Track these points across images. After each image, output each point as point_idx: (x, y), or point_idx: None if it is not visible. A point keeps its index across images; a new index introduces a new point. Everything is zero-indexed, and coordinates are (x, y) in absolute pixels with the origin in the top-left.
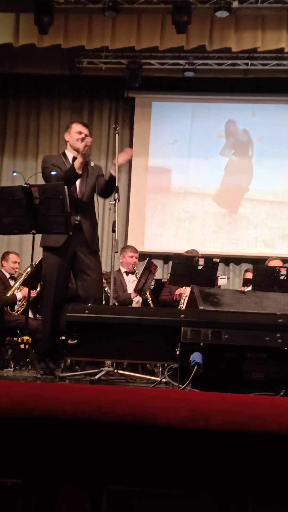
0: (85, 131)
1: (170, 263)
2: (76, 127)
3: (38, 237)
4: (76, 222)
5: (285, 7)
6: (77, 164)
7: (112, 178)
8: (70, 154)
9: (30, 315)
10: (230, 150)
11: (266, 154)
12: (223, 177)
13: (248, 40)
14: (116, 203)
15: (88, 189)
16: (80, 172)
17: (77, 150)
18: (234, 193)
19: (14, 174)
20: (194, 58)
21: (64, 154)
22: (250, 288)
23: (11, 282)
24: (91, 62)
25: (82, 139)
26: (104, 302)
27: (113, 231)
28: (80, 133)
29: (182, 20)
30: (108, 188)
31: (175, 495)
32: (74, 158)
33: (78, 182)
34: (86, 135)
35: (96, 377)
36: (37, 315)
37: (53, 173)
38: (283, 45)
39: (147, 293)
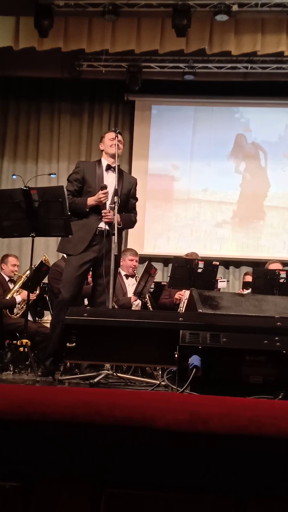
0: (119, 137)
1: (170, 266)
2: (109, 135)
3: (38, 240)
4: (100, 230)
5: (284, 11)
6: (90, 202)
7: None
8: (105, 161)
9: (30, 318)
10: (239, 155)
11: (264, 158)
12: (224, 182)
13: (247, 44)
14: (116, 206)
15: (122, 200)
16: (87, 211)
17: (111, 156)
18: (235, 198)
19: (14, 177)
20: (194, 62)
21: (99, 161)
22: (249, 291)
23: (11, 285)
24: (91, 65)
25: (113, 145)
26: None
27: (113, 234)
28: (113, 139)
29: (182, 23)
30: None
31: (174, 498)
32: (109, 166)
33: (112, 186)
34: (119, 141)
35: (95, 380)
36: (36, 318)
37: (68, 197)
38: (282, 48)
39: (147, 296)
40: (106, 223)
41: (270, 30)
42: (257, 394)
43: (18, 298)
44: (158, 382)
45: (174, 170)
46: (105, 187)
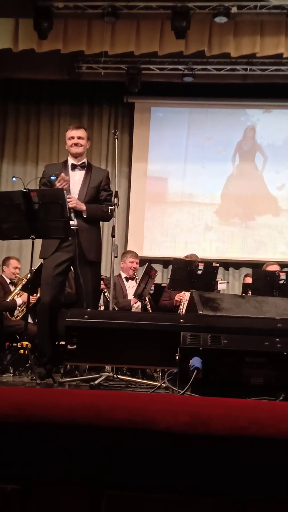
0: (76, 133)
1: (170, 267)
2: (67, 134)
3: (38, 242)
4: (73, 228)
5: (283, 13)
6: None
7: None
8: (70, 161)
9: (30, 320)
10: (237, 157)
11: (266, 161)
12: (224, 184)
13: (247, 46)
14: (116, 208)
15: (90, 192)
16: None
17: (72, 155)
18: (235, 199)
19: (14, 179)
20: (193, 64)
21: (65, 161)
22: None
23: (11, 288)
24: (91, 67)
25: (75, 144)
26: (103, 307)
27: (113, 236)
28: (71, 138)
29: (181, 25)
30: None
31: (175, 500)
32: (74, 165)
33: (78, 182)
34: (79, 138)
35: (96, 382)
36: (37, 321)
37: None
38: (281, 50)
39: (147, 298)
40: (75, 212)
41: (269, 32)
42: (257, 396)
43: (19, 301)
44: (159, 384)
45: (174, 172)
46: (58, 174)
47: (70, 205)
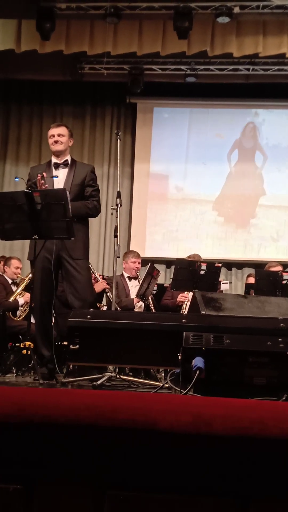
0: (56, 131)
1: (172, 268)
2: (49, 132)
3: (40, 242)
4: None
5: (286, 13)
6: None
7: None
8: (53, 160)
9: (32, 320)
10: (240, 156)
11: (266, 160)
12: (225, 183)
13: (249, 46)
14: (118, 208)
15: (74, 190)
16: None
17: (54, 153)
18: (237, 199)
19: (17, 179)
20: (195, 64)
21: (49, 161)
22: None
23: (13, 288)
24: (93, 68)
25: (56, 142)
26: (106, 307)
27: (115, 236)
28: (52, 136)
29: (184, 25)
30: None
31: (177, 500)
32: (57, 164)
33: (61, 180)
34: (59, 135)
35: (98, 382)
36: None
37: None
38: (284, 50)
39: (149, 298)
40: None
41: (272, 32)
42: (260, 396)
43: (21, 301)
44: (161, 384)
45: (177, 172)
46: (40, 173)
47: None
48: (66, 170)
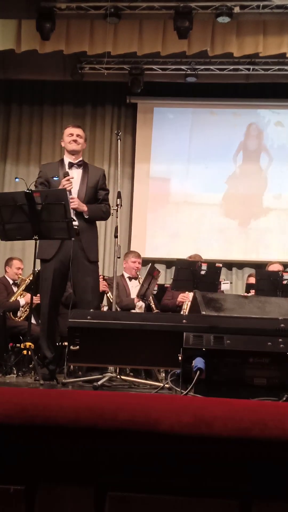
0: (75, 131)
1: (173, 268)
2: (67, 131)
3: (56, 243)
4: (74, 227)
5: (286, 12)
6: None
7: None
8: (66, 159)
9: (33, 321)
10: (240, 157)
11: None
12: (228, 184)
13: (249, 45)
14: (119, 208)
15: (89, 192)
16: None
17: (71, 152)
18: (238, 200)
19: (17, 180)
20: (196, 64)
21: (61, 160)
22: (253, 292)
23: (14, 288)
24: (93, 68)
25: (74, 141)
26: (107, 307)
27: (116, 236)
28: (71, 134)
29: (184, 25)
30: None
31: (178, 501)
32: (71, 164)
33: (76, 181)
34: (78, 135)
35: (99, 383)
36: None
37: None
38: (284, 50)
39: (150, 298)
40: (75, 212)
41: (272, 31)
42: (261, 396)
43: (22, 301)
44: (162, 384)
45: (177, 173)
46: (67, 173)
47: (72, 206)
48: (80, 171)
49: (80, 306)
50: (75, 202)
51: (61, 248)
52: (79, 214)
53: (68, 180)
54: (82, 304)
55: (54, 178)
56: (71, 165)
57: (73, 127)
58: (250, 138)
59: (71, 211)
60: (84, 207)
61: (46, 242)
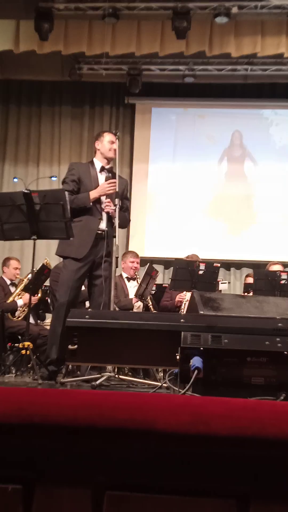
0: (115, 141)
1: (171, 268)
2: (109, 136)
3: (39, 243)
4: (100, 232)
5: (284, 13)
6: (93, 195)
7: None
8: (98, 163)
9: (31, 321)
10: (228, 158)
11: (265, 160)
12: (226, 184)
13: (247, 46)
14: (117, 208)
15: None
16: (90, 205)
17: (108, 159)
18: (236, 200)
19: (15, 180)
20: (194, 64)
21: (92, 162)
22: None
23: (12, 289)
24: (92, 68)
25: (115, 150)
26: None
27: (114, 236)
28: (112, 142)
29: (182, 26)
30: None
31: (176, 501)
32: (102, 168)
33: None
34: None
35: (97, 382)
36: (38, 321)
37: (66, 194)
38: (282, 50)
39: (148, 298)
40: (107, 216)
41: (270, 31)
42: (258, 395)
43: (20, 302)
44: (160, 383)
45: (175, 172)
46: (109, 177)
47: (108, 209)
48: (109, 176)
49: (94, 308)
50: (112, 207)
51: (93, 249)
52: (108, 218)
53: (110, 183)
54: (97, 307)
55: (53, 178)
56: (102, 169)
57: (114, 135)
58: (245, 137)
59: (103, 215)
60: (117, 214)
61: (78, 240)
